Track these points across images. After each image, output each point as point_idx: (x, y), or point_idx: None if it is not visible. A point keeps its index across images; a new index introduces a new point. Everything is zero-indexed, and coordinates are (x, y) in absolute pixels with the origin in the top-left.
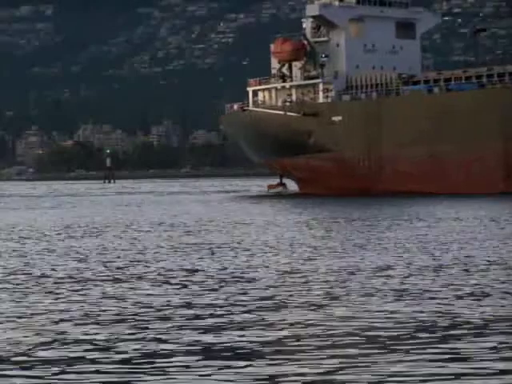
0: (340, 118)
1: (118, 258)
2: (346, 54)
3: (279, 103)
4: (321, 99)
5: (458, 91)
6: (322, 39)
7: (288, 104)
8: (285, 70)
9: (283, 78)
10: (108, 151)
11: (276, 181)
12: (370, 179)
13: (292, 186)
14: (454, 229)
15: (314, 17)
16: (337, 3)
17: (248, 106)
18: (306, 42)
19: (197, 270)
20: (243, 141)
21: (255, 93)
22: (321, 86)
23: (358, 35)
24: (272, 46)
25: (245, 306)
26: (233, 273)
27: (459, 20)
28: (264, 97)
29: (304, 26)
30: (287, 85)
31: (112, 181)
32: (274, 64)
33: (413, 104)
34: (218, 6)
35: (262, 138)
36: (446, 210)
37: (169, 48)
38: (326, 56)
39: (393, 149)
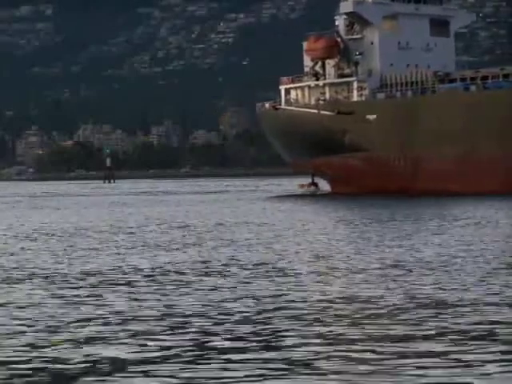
0: (375, 116)
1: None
2: (380, 52)
3: (312, 101)
4: (355, 97)
5: (495, 89)
6: (356, 37)
7: (321, 102)
8: (318, 67)
9: (316, 75)
10: (108, 151)
11: (308, 180)
12: (405, 179)
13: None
14: None
15: (347, 14)
16: (371, 0)
17: (280, 104)
18: (339, 40)
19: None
20: (275, 140)
21: (287, 91)
22: (355, 84)
23: (392, 32)
24: (304, 44)
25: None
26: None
27: None
28: (297, 95)
29: (337, 23)
30: (320, 83)
31: (112, 181)
32: (307, 62)
33: (449, 102)
34: (218, 6)
35: (294, 136)
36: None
37: (169, 48)
38: (359, 54)
39: (429, 148)
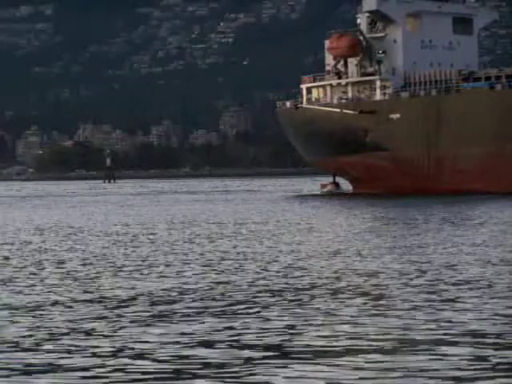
0: (398, 115)
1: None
2: (404, 50)
3: (334, 100)
4: (378, 96)
5: None
6: (379, 35)
7: (344, 101)
8: (340, 66)
9: (338, 74)
10: (108, 151)
11: (329, 180)
12: (429, 178)
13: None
14: None
15: (370, 12)
16: None
17: (301, 103)
18: (361, 38)
19: None
20: (296, 139)
21: (309, 90)
22: (378, 83)
23: (414, 31)
24: (327, 42)
25: None
26: None
27: None
28: (318, 94)
29: (358, 21)
30: (343, 81)
31: (112, 181)
32: (329, 60)
33: (474, 101)
34: (218, 6)
35: (316, 136)
36: None
37: (169, 48)
38: (382, 52)
39: (453, 147)
